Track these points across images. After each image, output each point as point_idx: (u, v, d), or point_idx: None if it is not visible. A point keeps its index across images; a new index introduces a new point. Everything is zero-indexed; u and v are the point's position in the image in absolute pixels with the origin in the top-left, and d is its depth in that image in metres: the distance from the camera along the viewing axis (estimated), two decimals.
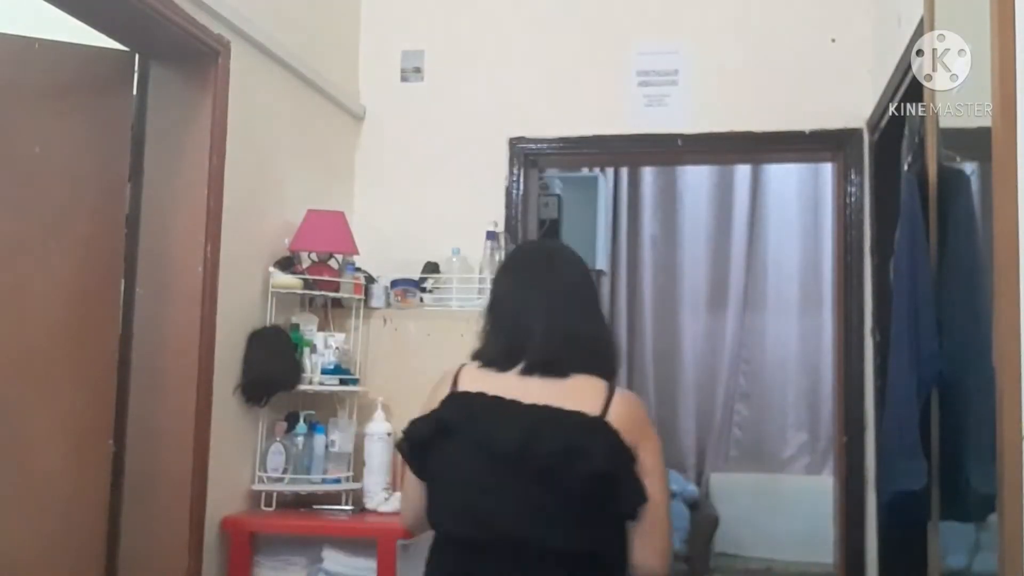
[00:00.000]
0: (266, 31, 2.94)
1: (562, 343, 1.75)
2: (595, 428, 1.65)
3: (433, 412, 1.74)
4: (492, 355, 1.77)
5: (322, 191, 3.38)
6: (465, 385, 1.74)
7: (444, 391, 1.76)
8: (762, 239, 5.99)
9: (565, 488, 1.61)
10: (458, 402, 1.73)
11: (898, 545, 2.85)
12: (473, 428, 1.69)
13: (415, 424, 1.76)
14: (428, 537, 1.77)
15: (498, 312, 1.84)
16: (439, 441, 1.72)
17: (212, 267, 2.61)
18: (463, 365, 1.80)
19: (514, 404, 1.68)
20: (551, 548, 1.62)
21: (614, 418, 1.66)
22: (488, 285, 3.19)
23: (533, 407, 1.67)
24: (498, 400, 1.70)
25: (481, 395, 1.71)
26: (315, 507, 2.92)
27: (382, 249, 3.34)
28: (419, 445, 1.75)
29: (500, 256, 3.28)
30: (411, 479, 1.80)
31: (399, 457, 2.98)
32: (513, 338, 1.77)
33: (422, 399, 2.96)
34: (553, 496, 1.62)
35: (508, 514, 1.64)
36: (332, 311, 3.17)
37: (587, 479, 1.60)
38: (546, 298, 1.80)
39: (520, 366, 1.73)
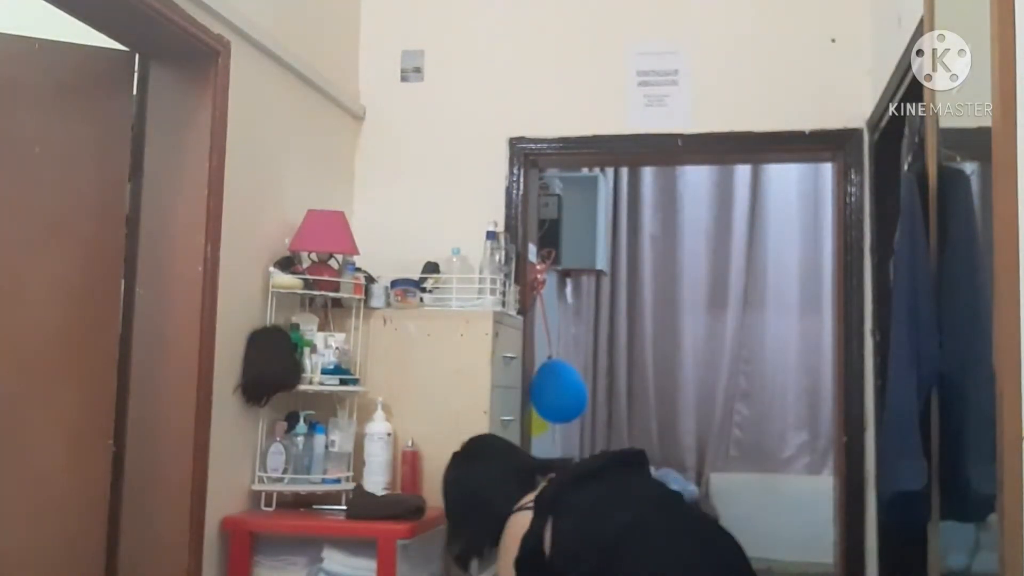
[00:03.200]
0: (266, 31, 2.94)
1: None
2: None
3: (537, 514, 2.17)
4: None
5: (322, 191, 3.38)
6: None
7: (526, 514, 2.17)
8: (762, 239, 5.98)
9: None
10: (547, 489, 2.21)
11: (898, 545, 2.85)
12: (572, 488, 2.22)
13: None
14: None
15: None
16: None
17: (212, 267, 2.61)
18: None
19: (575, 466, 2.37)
20: None
21: None
22: (488, 285, 3.20)
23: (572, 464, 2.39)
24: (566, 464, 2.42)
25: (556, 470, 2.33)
26: (315, 507, 2.92)
27: (382, 249, 3.34)
28: None
29: (500, 256, 3.28)
30: None
31: (399, 457, 3.00)
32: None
33: (422, 399, 3.00)
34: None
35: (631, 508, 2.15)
36: (332, 311, 3.16)
37: None
38: None
39: None
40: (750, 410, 5.96)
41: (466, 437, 2.82)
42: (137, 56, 2.67)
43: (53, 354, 2.53)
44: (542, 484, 2.21)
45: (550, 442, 4.61)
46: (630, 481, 2.22)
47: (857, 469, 3.28)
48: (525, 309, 3.57)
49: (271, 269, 2.93)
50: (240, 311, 2.80)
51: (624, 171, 5.99)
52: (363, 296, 3.14)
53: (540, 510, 2.11)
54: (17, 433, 2.45)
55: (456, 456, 2.51)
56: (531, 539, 2.07)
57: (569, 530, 2.06)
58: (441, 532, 2.94)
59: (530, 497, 2.17)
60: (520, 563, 2.08)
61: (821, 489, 4.19)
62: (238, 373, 2.78)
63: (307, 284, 2.97)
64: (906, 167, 2.41)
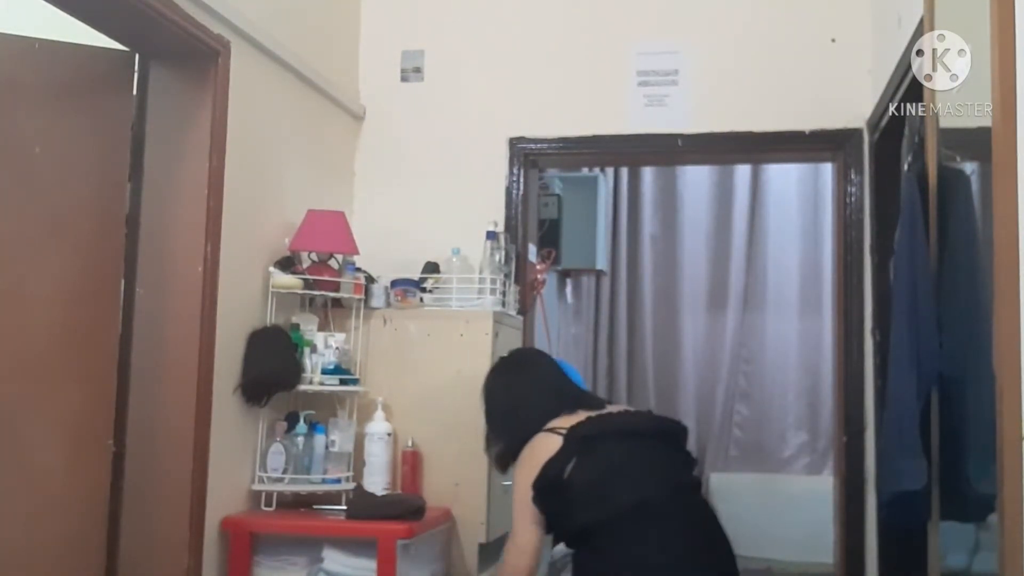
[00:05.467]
0: (266, 31, 2.94)
1: None
2: None
3: (564, 450, 2.23)
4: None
5: (322, 191, 3.38)
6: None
7: (552, 441, 2.24)
8: (762, 239, 5.98)
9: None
10: (577, 431, 2.26)
11: (898, 545, 2.85)
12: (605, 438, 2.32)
13: None
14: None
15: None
16: None
17: (212, 267, 2.61)
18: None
19: (608, 416, 2.38)
20: None
21: None
22: (488, 285, 3.20)
23: (610, 415, 2.40)
24: (601, 416, 2.38)
25: (589, 418, 2.33)
26: (315, 507, 2.92)
27: (382, 249, 3.34)
28: None
29: (500, 256, 3.28)
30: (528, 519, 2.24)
31: (400, 457, 3.00)
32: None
33: (422, 399, 3.01)
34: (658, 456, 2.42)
35: (650, 483, 2.26)
36: (332, 311, 3.16)
37: None
38: None
39: None
40: (750, 410, 5.96)
41: (466, 437, 2.83)
42: (137, 56, 2.67)
43: (53, 354, 2.52)
44: (580, 415, 2.27)
45: None
46: (662, 454, 2.34)
47: (857, 469, 3.28)
48: (525, 309, 3.57)
49: (271, 269, 2.93)
50: (240, 311, 2.80)
51: (624, 171, 5.99)
52: (363, 296, 3.14)
53: (571, 444, 2.18)
54: (17, 433, 2.45)
55: (504, 362, 2.60)
56: (555, 467, 2.16)
57: (591, 476, 2.16)
58: (441, 532, 2.95)
59: (562, 423, 2.24)
60: (539, 484, 2.15)
61: (821, 489, 4.19)
62: (238, 373, 2.78)
63: (307, 284, 2.97)
64: (906, 167, 2.41)
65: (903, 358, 2.10)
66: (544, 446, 2.21)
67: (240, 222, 2.76)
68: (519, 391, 2.45)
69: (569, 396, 2.40)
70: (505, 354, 2.68)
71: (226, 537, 2.70)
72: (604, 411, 2.36)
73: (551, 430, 2.24)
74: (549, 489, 2.16)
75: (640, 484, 2.18)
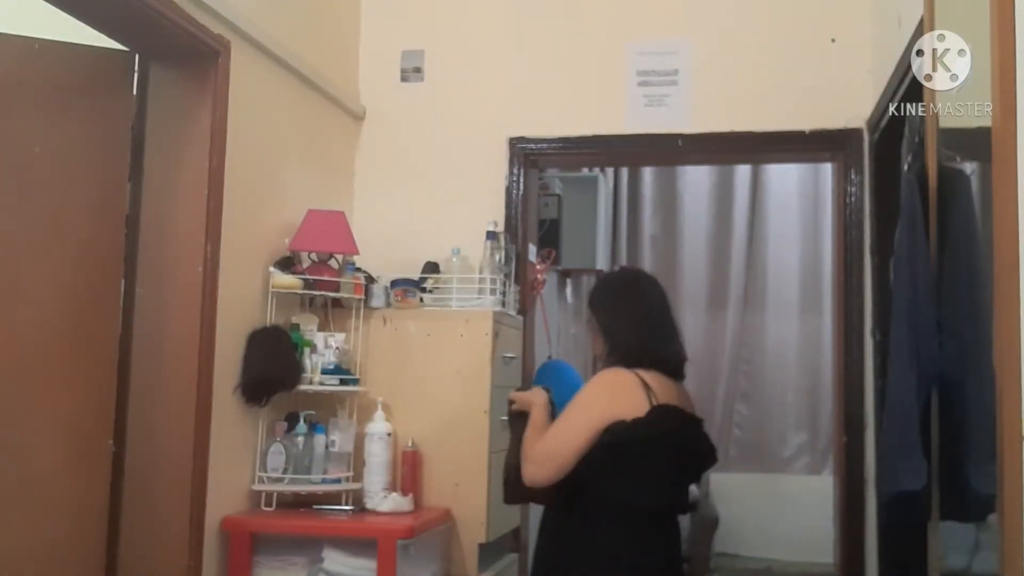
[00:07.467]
0: (266, 31, 2.94)
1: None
2: None
3: (651, 422, 2.16)
4: (670, 366, 2.31)
5: (322, 191, 3.38)
6: (661, 396, 2.21)
7: (640, 398, 2.18)
8: (762, 239, 5.99)
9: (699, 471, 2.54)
10: (668, 414, 2.21)
11: (898, 545, 2.85)
12: (678, 436, 2.23)
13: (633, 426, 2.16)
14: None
15: (659, 322, 2.37)
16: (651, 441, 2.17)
17: (212, 267, 2.61)
18: (639, 372, 2.22)
19: (693, 418, 2.32)
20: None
21: None
22: (488, 285, 3.20)
23: (694, 417, 2.34)
24: (688, 415, 2.30)
25: (679, 409, 2.26)
26: (315, 507, 2.92)
27: (382, 249, 3.34)
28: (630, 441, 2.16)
29: (500, 256, 3.28)
30: (579, 446, 2.15)
31: (400, 457, 3.00)
32: (676, 348, 2.35)
33: (422, 399, 3.00)
34: (693, 476, 2.51)
35: (684, 493, 2.37)
36: (332, 311, 3.17)
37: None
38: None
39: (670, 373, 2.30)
40: (750, 410, 5.97)
41: (466, 437, 2.82)
42: (137, 56, 2.67)
43: (53, 354, 2.52)
44: (668, 389, 2.25)
45: None
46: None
47: (857, 469, 3.28)
48: (525, 309, 3.57)
49: (271, 269, 2.93)
50: (240, 311, 2.80)
51: (624, 171, 6.00)
52: (363, 296, 3.14)
53: (651, 420, 2.17)
54: (17, 433, 2.45)
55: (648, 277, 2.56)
56: (627, 428, 2.15)
57: (643, 465, 2.18)
58: (441, 532, 2.95)
59: (655, 383, 2.22)
60: (610, 433, 2.14)
61: (821, 489, 4.19)
62: (238, 373, 2.78)
63: (307, 284, 2.97)
64: (906, 167, 2.41)
65: (903, 358, 2.09)
66: (636, 396, 2.17)
67: (240, 222, 2.76)
68: (658, 313, 2.38)
69: (677, 350, 2.38)
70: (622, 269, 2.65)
71: (226, 537, 2.70)
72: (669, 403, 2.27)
73: (647, 385, 2.19)
74: (611, 441, 2.14)
75: (676, 491, 2.31)
